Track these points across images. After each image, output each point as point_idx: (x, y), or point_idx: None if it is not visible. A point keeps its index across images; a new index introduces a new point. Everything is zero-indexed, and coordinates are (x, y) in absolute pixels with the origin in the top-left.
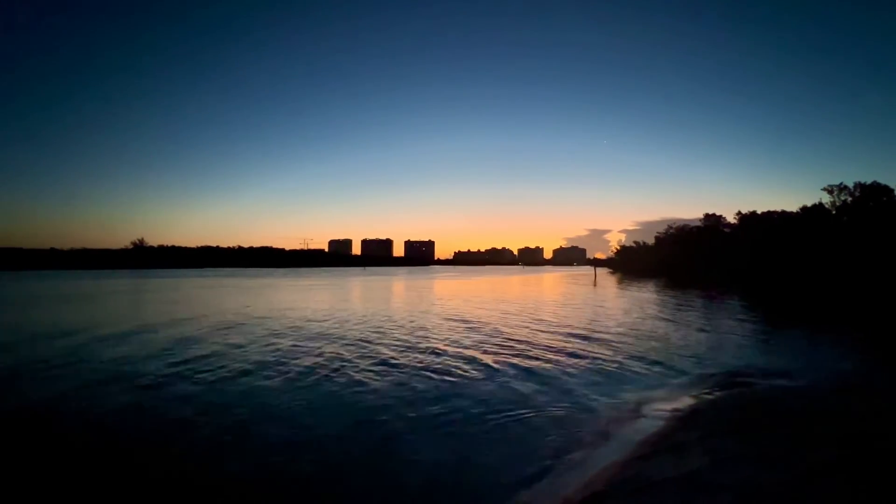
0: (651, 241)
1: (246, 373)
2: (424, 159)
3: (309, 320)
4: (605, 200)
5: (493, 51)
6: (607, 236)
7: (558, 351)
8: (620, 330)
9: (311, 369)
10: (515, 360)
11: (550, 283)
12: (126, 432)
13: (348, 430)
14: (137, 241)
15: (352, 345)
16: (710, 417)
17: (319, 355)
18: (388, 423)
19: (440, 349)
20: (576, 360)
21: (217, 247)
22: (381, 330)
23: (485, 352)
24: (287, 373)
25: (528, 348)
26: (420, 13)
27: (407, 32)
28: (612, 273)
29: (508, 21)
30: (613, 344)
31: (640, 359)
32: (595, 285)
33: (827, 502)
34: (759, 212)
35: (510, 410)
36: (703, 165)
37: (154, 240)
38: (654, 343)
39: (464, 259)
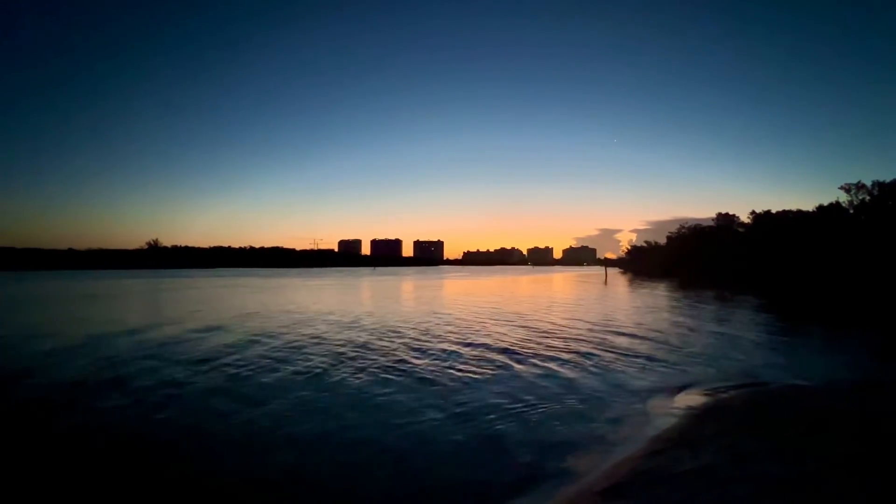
0: (662, 240)
1: (332, 365)
2: (433, 159)
3: (355, 319)
4: (615, 200)
5: (500, 50)
6: (618, 236)
7: (578, 346)
8: (635, 329)
9: (389, 364)
10: (540, 354)
11: (562, 283)
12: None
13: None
14: (152, 242)
15: (407, 338)
16: (724, 414)
17: (388, 350)
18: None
19: (486, 343)
20: (595, 357)
21: (228, 247)
22: (424, 326)
23: (516, 346)
24: (371, 367)
25: (551, 344)
26: (428, 12)
27: (416, 33)
28: (623, 273)
29: (517, 20)
30: (630, 342)
31: (654, 356)
32: (606, 284)
33: (841, 495)
34: (773, 211)
35: (536, 402)
36: (716, 164)
37: (166, 240)
38: (667, 341)
39: (473, 259)
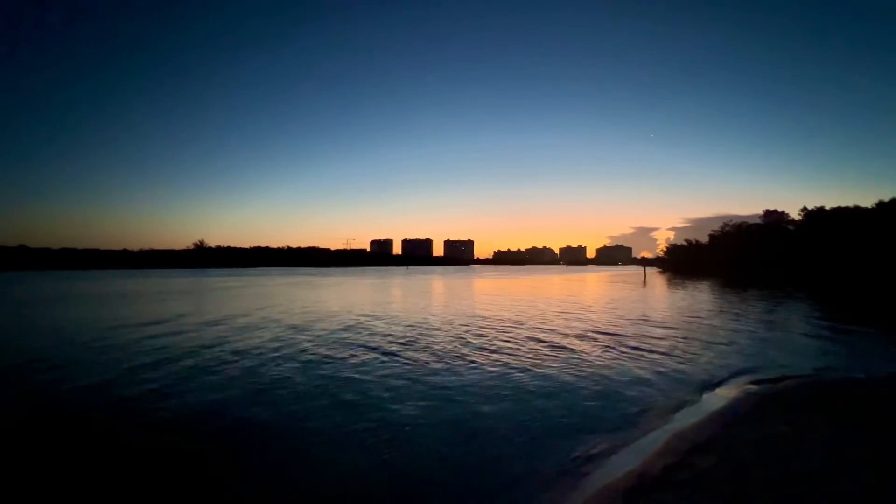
0: (703, 238)
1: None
2: (464, 158)
3: (440, 311)
4: (651, 197)
5: (532, 48)
6: (654, 234)
7: (647, 339)
8: (692, 327)
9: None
10: (613, 345)
11: (600, 283)
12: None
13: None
14: (198, 243)
15: (504, 324)
16: (786, 398)
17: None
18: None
19: (582, 334)
20: (658, 349)
21: (267, 247)
22: (503, 315)
23: (590, 339)
24: (493, 343)
25: (615, 338)
26: (459, 12)
27: (447, 32)
28: (662, 272)
29: (548, 17)
30: (689, 338)
31: (712, 350)
32: (645, 285)
33: None
34: (827, 207)
35: (623, 383)
36: (760, 160)
37: (209, 240)
38: (723, 338)
39: (504, 258)
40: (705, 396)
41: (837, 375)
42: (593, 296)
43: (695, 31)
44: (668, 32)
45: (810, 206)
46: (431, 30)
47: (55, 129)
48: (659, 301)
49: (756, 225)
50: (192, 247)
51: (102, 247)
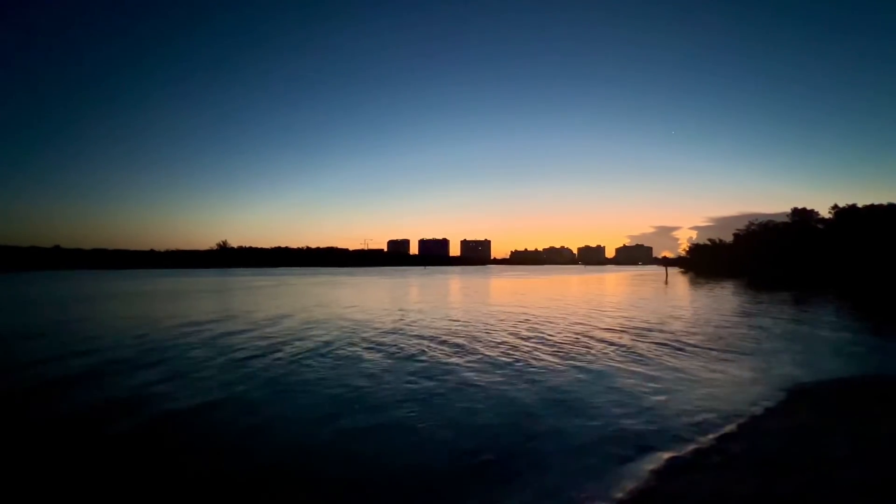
0: (727, 238)
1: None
2: (481, 158)
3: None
4: (673, 196)
5: (548, 47)
6: (676, 234)
7: (666, 340)
8: (717, 326)
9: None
10: (651, 345)
11: (621, 284)
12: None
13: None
14: (221, 243)
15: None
16: (815, 394)
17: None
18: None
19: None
20: (683, 350)
21: (287, 248)
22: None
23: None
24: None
25: (657, 338)
26: (481, 10)
27: (461, 31)
28: (684, 273)
29: (565, 15)
30: (716, 338)
31: (742, 350)
32: (667, 284)
33: None
34: (859, 205)
35: (666, 382)
36: (787, 155)
37: (230, 240)
38: (752, 339)
39: (521, 258)
40: (735, 392)
41: (867, 374)
42: (622, 295)
43: (715, 28)
44: (687, 29)
45: (841, 204)
46: (446, 29)
47: (85, 134)
48: (682, 300)
49: (783, 224)
50: (215, 247)
51: (131, 247)
